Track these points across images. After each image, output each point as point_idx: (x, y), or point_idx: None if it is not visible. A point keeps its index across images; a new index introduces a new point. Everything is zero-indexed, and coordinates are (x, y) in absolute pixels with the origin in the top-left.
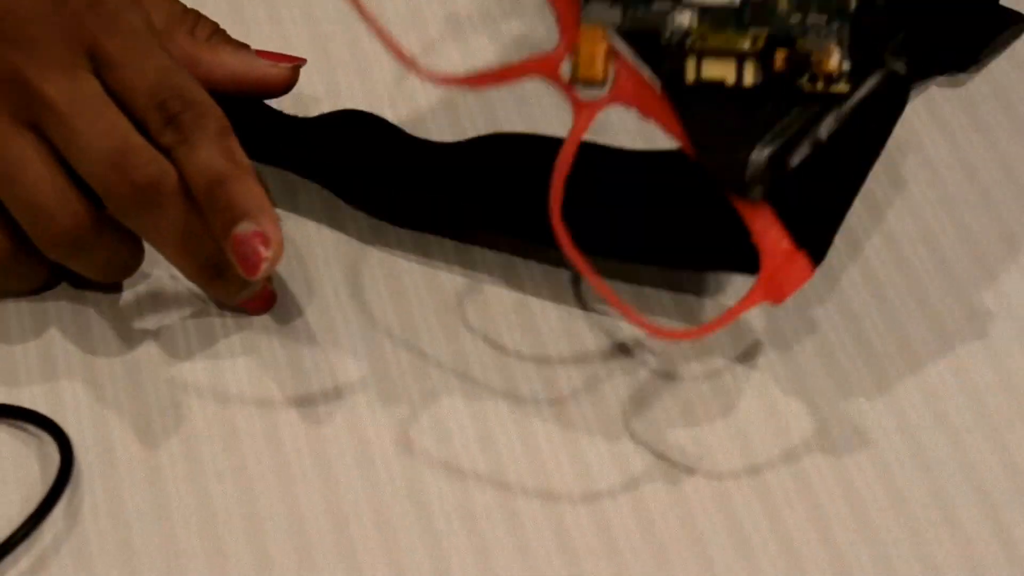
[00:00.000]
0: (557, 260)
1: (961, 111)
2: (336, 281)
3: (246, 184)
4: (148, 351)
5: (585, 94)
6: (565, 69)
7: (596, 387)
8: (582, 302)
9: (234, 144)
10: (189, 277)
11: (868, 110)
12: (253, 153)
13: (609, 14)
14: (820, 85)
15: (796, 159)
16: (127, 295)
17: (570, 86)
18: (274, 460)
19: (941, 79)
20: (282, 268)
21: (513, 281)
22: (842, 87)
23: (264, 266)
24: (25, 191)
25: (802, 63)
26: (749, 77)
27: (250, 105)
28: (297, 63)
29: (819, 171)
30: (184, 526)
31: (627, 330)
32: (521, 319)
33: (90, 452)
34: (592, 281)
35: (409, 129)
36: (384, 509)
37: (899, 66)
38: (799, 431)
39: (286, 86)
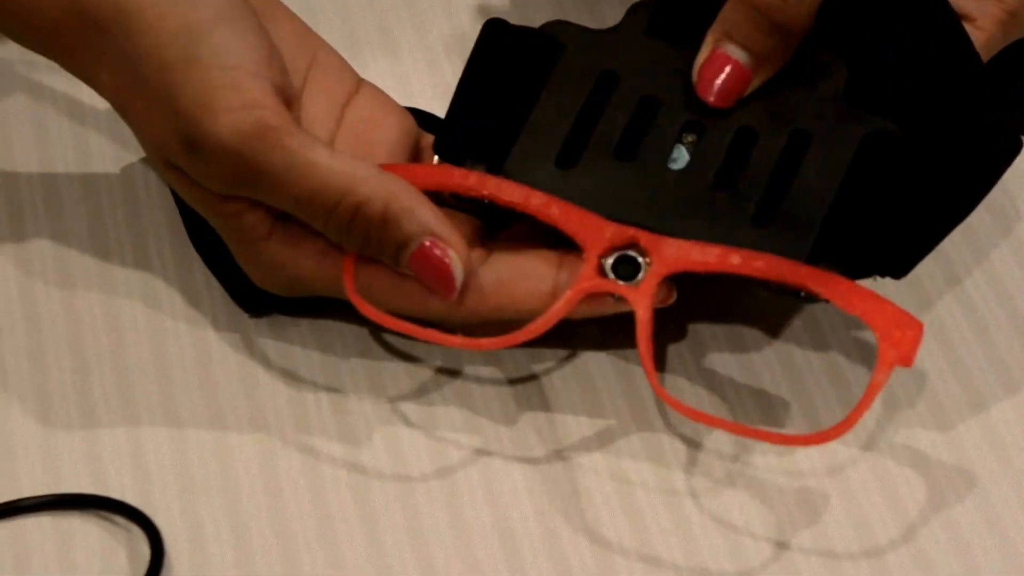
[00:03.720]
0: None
1: None
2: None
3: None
4: (240, 439)
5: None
6: None
7: (710, 473)
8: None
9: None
10: None
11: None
12: None
13: None
14: None
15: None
16: (220, 380)
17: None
18: (368, 548)
19: None
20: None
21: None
22: None
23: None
24: None
25: None
26: None
27: None
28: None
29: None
30: None
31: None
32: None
33: (181, 544)
34: (707, 422)
35: None
36: None
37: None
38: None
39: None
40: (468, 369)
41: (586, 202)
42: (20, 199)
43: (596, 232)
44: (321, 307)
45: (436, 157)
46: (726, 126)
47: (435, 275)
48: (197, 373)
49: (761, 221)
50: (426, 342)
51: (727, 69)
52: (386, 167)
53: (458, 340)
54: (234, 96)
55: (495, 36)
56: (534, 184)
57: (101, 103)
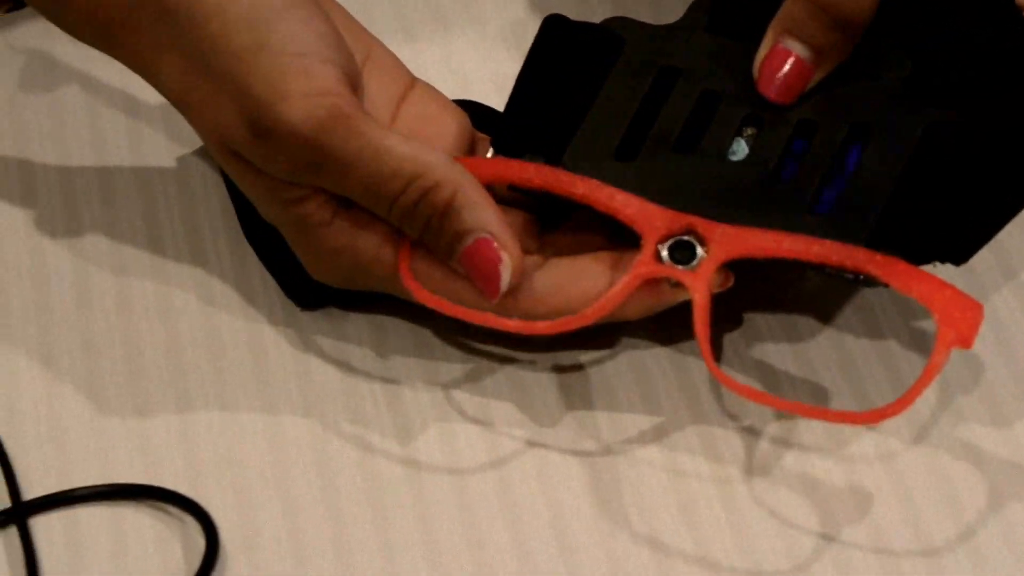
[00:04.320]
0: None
1: None
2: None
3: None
4: (294, 430)
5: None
6: None
7: (765, 469)
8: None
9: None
10: None
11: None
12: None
13: None
14: None
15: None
16: (273, 371)
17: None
18: (421, 539)
19: None
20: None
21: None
22: None
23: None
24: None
25: None
26: None
27: None
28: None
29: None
30: None
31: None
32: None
33: (234, 535)
34: (764, 402)
35: None
36: None
37: None
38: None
39: None
40: (522, 359)
41: (645, 193)
42: (74, 192)
43: (654, 219)
44: (374, 301)
45: (491, 150)
46: (786, 119)
47: (483, 273)
48: (251, 364)
49: (819, 210)
50: (481, 327)
51: (788, 64)
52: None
53: (513, 324)
54: (307, 82)
55: (554, 32)
56: (593, 176)
57: (155, 97)
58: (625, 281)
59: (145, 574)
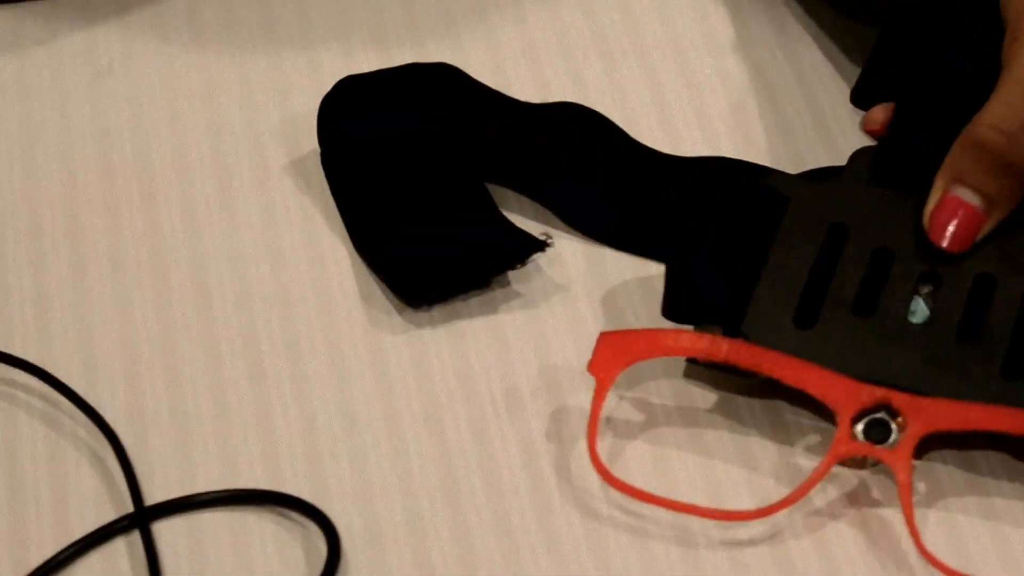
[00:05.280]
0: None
1: None
2: None
3: None
4: (416, 432)
5: None
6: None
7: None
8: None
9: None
10: None
11: None
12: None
13: None
14: None
15: None
16: (395, 376)
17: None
18: (549, 555)
19: None
20: None
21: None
22: None
23: None
24: None
25: None
26: None
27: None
28: None
29: None
30: None
31: None
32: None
33: (357, 541)
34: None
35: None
36: None
37: None
38: None
39: None
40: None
41: (829, 362)
42: (193, 198)
43: (848, 395)
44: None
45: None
46: (963, 274)
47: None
48: (371, 371)
49: (1012, 374)
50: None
51: (960, 214)
52: (629, 332)
53: (714, 512)
54: None
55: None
56: (773, 345)
57: (274, 104)
58: (826, 462)
59: None
